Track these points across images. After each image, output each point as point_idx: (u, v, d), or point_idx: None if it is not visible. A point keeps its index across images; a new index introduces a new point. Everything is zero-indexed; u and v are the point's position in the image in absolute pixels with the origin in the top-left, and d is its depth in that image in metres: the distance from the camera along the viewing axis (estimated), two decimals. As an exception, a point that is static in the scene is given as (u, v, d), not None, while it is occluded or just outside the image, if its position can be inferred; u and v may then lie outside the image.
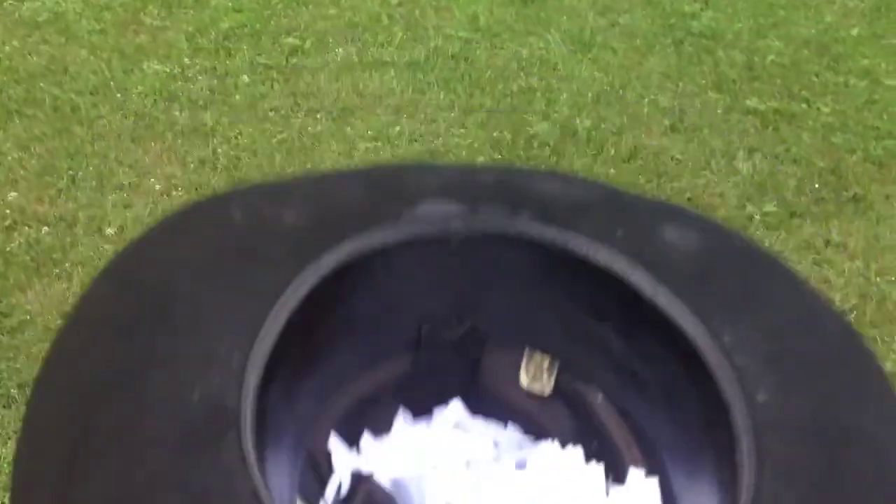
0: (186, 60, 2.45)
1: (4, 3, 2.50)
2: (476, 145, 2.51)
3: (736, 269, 0.51)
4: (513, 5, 2.62)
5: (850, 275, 2.79)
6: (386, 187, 0.52)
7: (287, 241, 0.47)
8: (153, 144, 2.17)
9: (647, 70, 2.48)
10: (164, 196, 2.25)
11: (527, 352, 0.52)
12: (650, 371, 0.50)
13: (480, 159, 2.43)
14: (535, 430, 0.53)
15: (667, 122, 2.60)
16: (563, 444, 0.54)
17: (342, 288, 0.47)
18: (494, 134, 2.51)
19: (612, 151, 2.48)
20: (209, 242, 0.50)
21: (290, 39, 2.63)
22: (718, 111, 2.42)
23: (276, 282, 0.45)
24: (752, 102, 2.32)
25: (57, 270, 1.74)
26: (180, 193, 2.30)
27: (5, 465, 1.44)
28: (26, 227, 1.78)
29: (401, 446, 0.50)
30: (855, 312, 2.61)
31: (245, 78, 2.38)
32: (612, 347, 0.51)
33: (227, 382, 0.42)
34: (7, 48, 2.38)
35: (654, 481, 0.51)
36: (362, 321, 0.51)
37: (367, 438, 0.50)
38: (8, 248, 1.70)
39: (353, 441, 0.50)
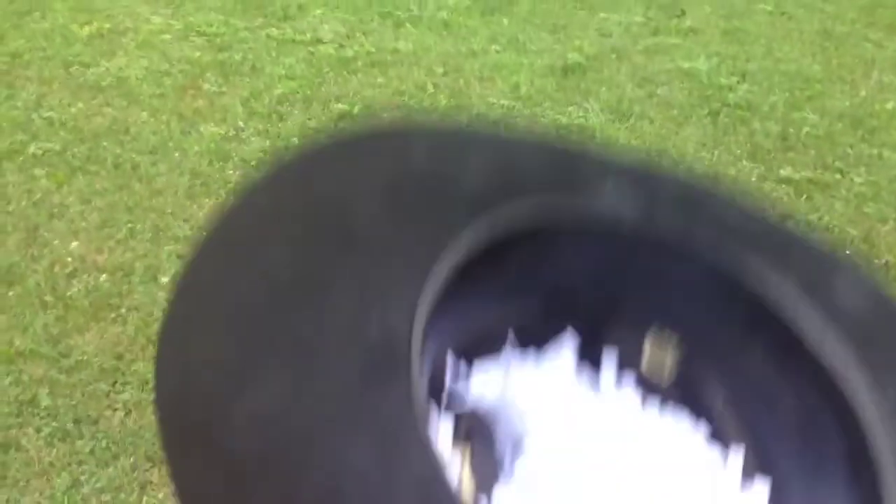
0: (241, 123, 2.55)
1: (71, 69, 2.63)
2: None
3: (892, 338, 0.49)
4: (553, 76, 2.68)
5: None
6: (569, 165, 0.51)
7: (468, 190, 0.47)
8: (207, 200, 2.25)
9: (683, 139, 2.52)
10: None
11: (652, 336, 0.51)
12: (793, 400, 0.48)
13: None
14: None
15: (702, 191, 2.64)
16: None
17: (504, 245, 0.46)
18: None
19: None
20: (391, 172, 0.49)
21: (339, 105, 2.72)
22: (753, 179, 2.45)
23: (453, 227, 0.45)
24: (785, 172, 2.35)
25: (113, 315, 1.82)
26: None
27: (59, 495, 1.48)
28: (86, 275, 1.86)
29: (510, 377, 0.49)
30: None
31: (296, 140, 2.46)
32: (750, 370, 0.49)
33: (402, 319, 0.41)
34: (73, 110, 2.49)
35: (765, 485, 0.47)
36: (511, 278, 0.49)
37: (479, 366, 0.49)
38: (68, 294, 1.78)
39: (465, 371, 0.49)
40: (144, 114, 2.52)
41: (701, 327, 0.50)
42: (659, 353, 0.50)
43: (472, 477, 0.47)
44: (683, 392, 0.50)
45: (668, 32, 2.75)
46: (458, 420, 0.49)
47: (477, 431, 0.49)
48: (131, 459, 1.80)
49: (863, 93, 2.64)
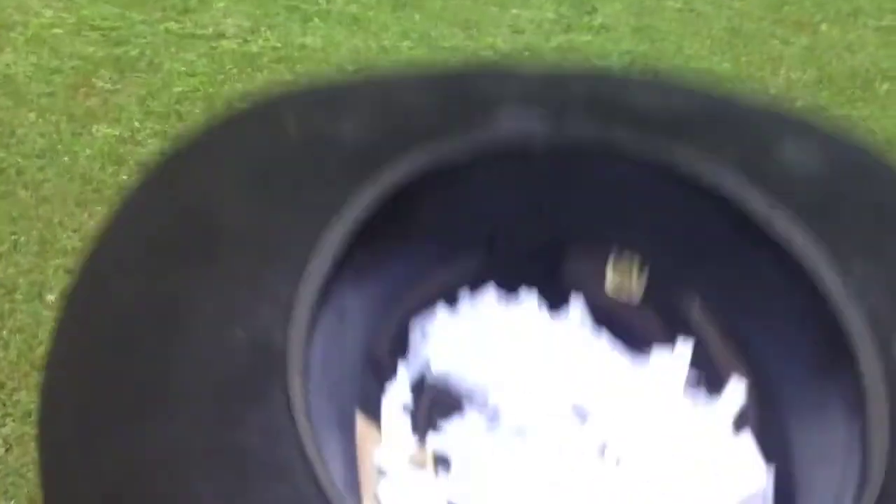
0: (137, 124, 2.43)
1: None
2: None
3: (866, 193, 0.45)
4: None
5: None
6: (458, 95, 0.46)
7: (345, 157, 0.42)
8: (99, 208, 2.13)
9: None
10: None
11: (613, 255, 0.47)
12: (760, 292, 0.44)
13: None
14: (624, 339, 0.48)
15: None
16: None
17: (405, 204, 0.42)
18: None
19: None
20: (259, 156, 0.44)
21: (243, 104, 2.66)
22: None
23: (332, 203, 0.40)
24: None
25: None
26: None
27: None
28: None
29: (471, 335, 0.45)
30: None
31: None
32: (715, 260, 0.45)
33: (275, 318, 0.36)
34: None
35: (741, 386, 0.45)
36: (429, 235, 0.45)
37: (439, 323, 0.46)
38: None
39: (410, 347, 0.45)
40: (32, 114, 2.38)
41: (655, 235, 0.46)
42: (623, 276, 0.47)
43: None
44: (656, 306, 0.47)
45: (580, 29, 2.73)
46: (419, 393, 0.44)
47: (440, 402, 0.44)
48: (12, 502, 1.67)
49: (772, 90, 2.66)
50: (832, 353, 0.40)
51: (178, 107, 2.37)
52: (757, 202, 0.42)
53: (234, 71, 2.50)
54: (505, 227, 0.46)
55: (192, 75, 2.49)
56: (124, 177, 2.09)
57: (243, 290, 0.38)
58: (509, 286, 0.47)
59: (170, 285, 0.39)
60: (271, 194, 0.42)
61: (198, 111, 2.36)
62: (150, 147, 2.19)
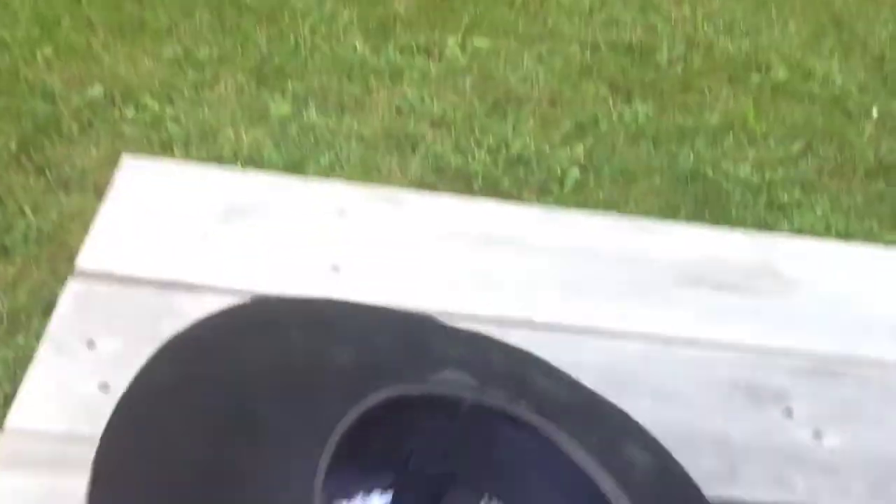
0: None
1: None
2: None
3: (675, 494, 0.63)
4: None
5: (677, 22, 2.81)
6: (414, 348, 0.62)
7: (338, 374, 0.57)
8: None
9: None
10: None
11: (486, 496, 0.63)
12: None
13: None
14: None
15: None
16: None
17: (373, 424, 0.55)
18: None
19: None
20: (278, 364, 0.56)
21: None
22: None
23: (333, 413, 0.53)
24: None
25: None
26: None
27: None
28: None
29: None
30: (682, 62, 2.65)
31: None
32: None
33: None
34: None
35: None
36: (377, 450, 0.59)
37: None
38: None
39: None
40: None
41: (523, 493, 0.61)
42: None
43: None
44: None
45: None
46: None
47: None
48: None
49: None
50: None
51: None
52: (612, 492, 0.57)
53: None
54: (417, 459, 0.61)
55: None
56: None
57: (279, 472, 0.49)
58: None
59: (223, 449, 0.50)
60: (288, 389, 0.54)
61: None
62: None
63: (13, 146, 2.07)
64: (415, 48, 2.45)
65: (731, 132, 2.47)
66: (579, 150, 2.36)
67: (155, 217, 0.87)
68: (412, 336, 0.64)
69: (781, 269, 0.95)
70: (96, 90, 2.24)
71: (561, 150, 2.35)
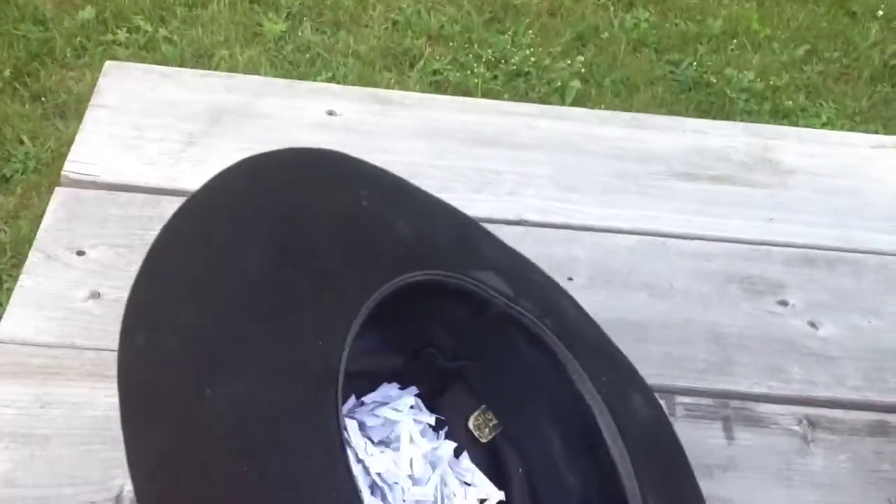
0: None
1: None
2: None
3: (666, 450, 0.62)
4: None
5: None
6: (467, 246, 0.61)
7: (396, 248, 0.56)
8: None
9: None
10: None
11: (483, 407, 0.64)
12: (579, 480, 0.60)
13: None
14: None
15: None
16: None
17: (407, 299, 0.55)
18: None
19: None
20: (341, 212, 0.56)
21: None
22: None
23: (381, 277, 0.54)
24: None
25: None
26: None
27: None
28: None
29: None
30: None
31: None
32: (554, 447, 0.61)
33: (334, 356, 0.49)
34: None
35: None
36: (403, 325, 0.60)
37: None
38: None
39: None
40: None
41: (519, 413, 0.62)
42: (480, 422, 0.63)
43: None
44: (492, 451, 0.63)
45: None
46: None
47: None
48: None
49: None
50: None
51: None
52: (606, 423, 0.58)
53: None
54: (434, 348, 0.62)
55: None
56: None
57: (323, 317, 0.50)
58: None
59: (281, 275, 0.51)
60: (347, 245, 0.54)
61: None
62: None
63: (7, 73, 2.05)
64: (410, -40, 2.40)
65: (734, 38, 2.42)
66: (580, 61, 2.32)
67: (141, 122, 0.86)
68: (465, 231, 0.64)
69: (778, 160, 0.94)
70: (87, 13, 2.20)
71: (561, 62, 2.31)
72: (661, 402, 0.75)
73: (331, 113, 0.89)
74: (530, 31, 2.32)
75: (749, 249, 0.85)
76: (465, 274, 0.59)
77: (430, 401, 0.65)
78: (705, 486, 0.69)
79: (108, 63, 0.89)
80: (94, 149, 0.83)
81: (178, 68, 0.88)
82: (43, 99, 1.98)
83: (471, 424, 0.64)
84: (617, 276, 0.82)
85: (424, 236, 0.59)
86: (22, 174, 1.85)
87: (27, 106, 1.98)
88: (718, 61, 2.36)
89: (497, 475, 0.63)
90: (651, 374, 0.76)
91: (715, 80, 2.31)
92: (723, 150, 0.93)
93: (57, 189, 0.79)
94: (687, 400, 0.75)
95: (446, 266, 0.58)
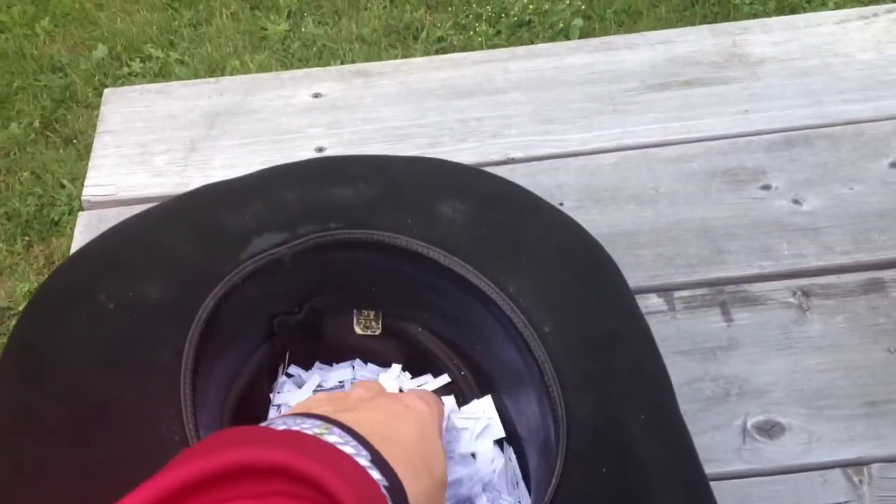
0: None
1: None
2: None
3: (503, 227, 0.65)
4: None
5: None
6: (217, 237, 0.62)
7: (157, 317, 0.57)
8: None
9: None
10: None
11: (356, 311, 0.68)
12: (461, 313, 0.65)
13: None
14: (375, 361, 0.69)
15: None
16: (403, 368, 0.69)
17: (215, 326, 0.58)
18: None
19: None
20: (96, 331, 0.57)
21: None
22: None
23: (171, 350, 0.55)
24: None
25: None
26: None
27: None
28: None
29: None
30: None
31: None
32: (425, 300, 0.66)
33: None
34: None
35: (488, 398, 0.65)
36: (233, 336, 0.62)
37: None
38: None
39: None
40: None
41: (383, 292, 0.68)
42: (366, 321, 0.69)
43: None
44: (391, 335, 0.69)
45: None
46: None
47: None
48: None
49: None
50: (518, 343, 0.61)
51: None
52: (440, 256, 0.63)
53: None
54: (278, 314, 0.65)
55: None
56: None
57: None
58: (294, 354, 0.68)
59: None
60: (123, 360, 0.55)
61: None
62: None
63: (37, 123, 2.15)
64: (395, -65, 2.44)
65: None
66: (579, -1, 2.34)
67: (145, 139, 0.93)
68: (206, 227, 0.65)
69: (747, 53, 0.97)
70: (100, 51, 2.29)
71: (561, 3, 2.33)
72: (661, 300, 0.80)
73: (316, 95, 0.95)
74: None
75: (728, 144, 0.89)
76: (235, 265, 0.62)
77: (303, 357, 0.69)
78: (709, 367, 0.74)
79: (106, 91, 0.97)
80: (106, 172, 0.90)
81: (170, 83, 0.94)
82: (74, 141, 2.08)
83: (359, 330, 0.68)
84: (604, 194, 0.86)
85: (179, 279, 0.61)
86: (69, 215, 1.95)
87: (61, 151, 2.08)
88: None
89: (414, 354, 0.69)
90: (646, 276, 0.80)
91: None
92: (691, 55, 0.97)
93: (80, 213, 0.87)
94: (684, 293, 0.79)
95: (217, 281, 0.61)
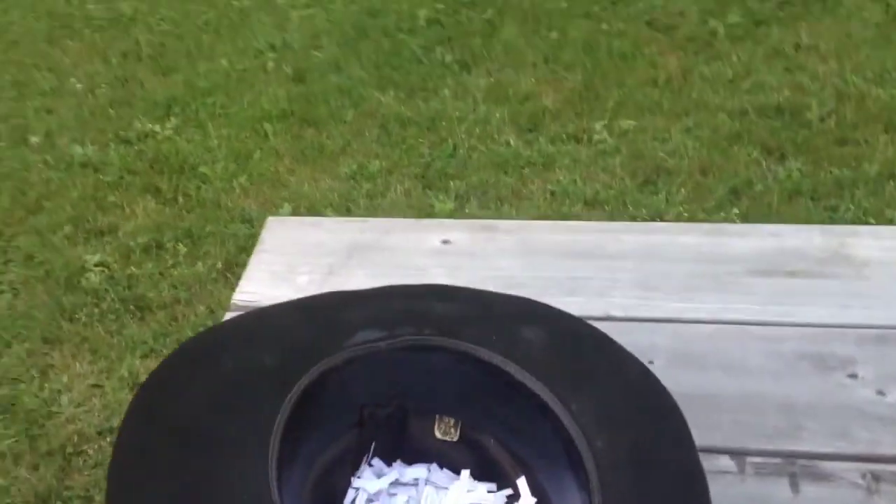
0: None
1: None
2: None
3: (574, 353, 0.76)
4: None
5: (824, 77, 2.70)
6: (329, 325, 0.74)
7: (267, 379, 0.68)
8: (70, 43, 2.04)
9: None
10: (89, 94, 2.09)
11: (437, 417, 0.76)
12: (528, 426, 0.73)
13: (422, 12, 2.38)
14: (451, 466, 0.77)
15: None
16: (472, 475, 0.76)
17: (310, 399, 0.68)
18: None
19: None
20: (213, 386, 0.68)
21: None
22: None
23: (269, 408, 0.66)
24: None
25: None
26: (104, 90, 2.20)
27: None
28: None
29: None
30: (834, 116, 2.56)
31: None
32: (498, 413, 0.74)
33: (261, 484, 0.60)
34: None
35: (523, 479, 0.73)
36: (325, 419, 0.71)
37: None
38: None
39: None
40: None
41: (462, 401, 0.76)
42: (446, 427, 0.76)
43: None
44: (467, 444, 0.76)
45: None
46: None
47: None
48: (25, 345, 1.62)
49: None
50: (570, 455, 0.69)
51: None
52: (516, 371, 0.71)
53: None
54: (369, 407, 0.74)
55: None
56: (91, 6, 1.98)
57: (235, 476, 0.62)
58: (379, 445, 0.76)
59: (188, 481, 0.62)
60: (230, 408, 0.66)
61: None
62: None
63: (220, 265, 2.38)
64: (564, 137, 2.62)
65: (892, 180, 2.45)
66: (734, 213, 2.42)
67: (293, 261, 1.06)
68: (324, 317, 0.75)
69: (853, 255, 1.02)
70: (286, 209, 2.54)
71: (716, 215, 2.41)
72: (732, 462, 0.83)
73: (445, 242, 1.07)
74: (683, 190, 2.45)
75: (822, 332, 0.93)
76: (338, 349, 0.72)
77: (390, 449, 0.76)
78: None
79: (269, 219, 1.12)
80: (256, 283, 1.04)
81: (323, 217, 1.09)
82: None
83: (438, 434, 0.76)
84: (694, 360, 0.92)
85: (289, 349, 0.71)
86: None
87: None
88: (877, 204, 2.39)
89: (486, 465, 0.75)
90: (721, 438, 0.84)
91: (875, 222, 2.34)
92: (799, 249, 1.03)
93: (226, 314, 1.00)
94: (757, 459, 0.83)
95: (320, 357, 0.71)
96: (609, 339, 0.79)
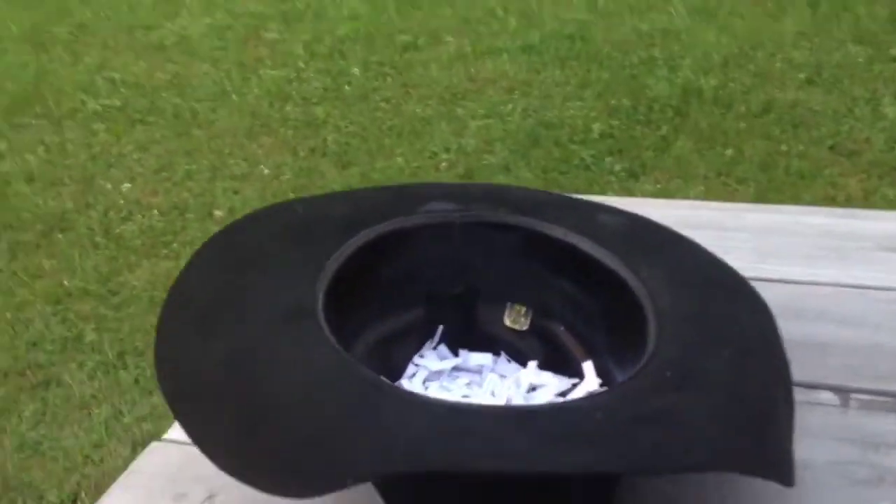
0: (302, 65, 2.47)
1: (135, 33, 2.68)
2: (592, 114, 2.45)
3: (648, 236, 0.75)
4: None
5: None
6: (406, 195, 0.76)
7: (335, 224, 0.71)
8: (267, 139, 2.19)
9: (779, 30, 2.41)
10: (274, 180, 2.21)
11: (508, 304, 0.75)
12: (596, 305, 0.72)
13: (596, 126, 2.30)
14: (518, 357, 0.75)
15: (802, 76, 2.49)
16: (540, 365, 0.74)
17: (373, 258, 0.69)
18: (612, 102, 2.45)
19: (743, 108, 2.38)
20: (283, 223, 0.73)
21: (403, 37, 2.61)
22: (860, 60, 2.35)
23: (331, 247, 0.68)
24: None
25: (165, 251, 1.81)
26: (288, 177, 2.29)
27: (98, 426, 1.48)
28: (139, 216, 1.83)
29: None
30: None
31: (357, 72, 2.38)
32: (570, 294, 0.73)
33: (307, 295, 0.63)
34: (135, 69, 2.54)
35: (589, 363, 0.72)
36: (387, 285, 0.72)
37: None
38: (120, 234, 1.75)
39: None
40: (206, 66, 2.49)
41: (534, 287, 0.74)
42: (516, 314, 0.74)
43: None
44: (537, 332, 0.74)
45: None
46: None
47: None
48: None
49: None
50: (635, 320, 0.67)
51: (341, 47, 2.41)
52: (586, 244, 0.71)
53: (394, 9, 2.52)
54: (438, 284, 0.73)
55: (355, 18, 2.53)
56: (289, 109, 2.14)
57: (282, 283, 0.65)
58: (444, 326, 0.75)
59: (239, 282, 0.67)
60: (294, 242, 0.70)
61: (359, 48, 2.38)
62: (314, 83, 2.24)
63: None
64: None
65: None
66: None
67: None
68: (404, 190, 0.78)
69: None
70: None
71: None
72: (835, 396, 0.77)
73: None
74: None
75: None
76: (410, 214, 0.72)
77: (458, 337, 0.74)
78: (870, 456, 0.70)
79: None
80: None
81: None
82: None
83: (508, 323, 0.73)
84: (810, 313, 0.86)
85: (359, 208, 0.74)
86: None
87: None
88: None
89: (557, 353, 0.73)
90: (825, 374, 0.78)
91: None
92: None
93: None
94: (862, 397, 0.76)
95: (392, 216, 0.72)
96: (681, 235, 0.77)
